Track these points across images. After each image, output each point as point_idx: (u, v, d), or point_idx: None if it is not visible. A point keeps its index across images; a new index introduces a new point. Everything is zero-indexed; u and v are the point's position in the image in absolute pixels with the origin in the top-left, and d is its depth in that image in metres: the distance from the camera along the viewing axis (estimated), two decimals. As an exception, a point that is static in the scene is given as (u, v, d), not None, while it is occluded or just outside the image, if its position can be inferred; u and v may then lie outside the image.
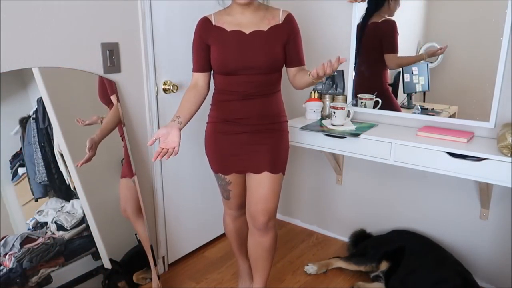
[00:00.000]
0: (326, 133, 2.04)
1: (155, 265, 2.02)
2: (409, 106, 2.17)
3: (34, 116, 1.67)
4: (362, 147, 1.97)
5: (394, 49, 2.17)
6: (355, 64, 2.26)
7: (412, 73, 2.11)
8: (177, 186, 2.26)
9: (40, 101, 1.67)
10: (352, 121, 2.15)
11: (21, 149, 1.66)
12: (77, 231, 1.79)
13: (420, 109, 2.11)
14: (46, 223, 1.72)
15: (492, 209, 2.02)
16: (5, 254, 1.60)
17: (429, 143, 1.81)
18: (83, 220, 1.80)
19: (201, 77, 1.66)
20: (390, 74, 2.21)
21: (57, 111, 1.69)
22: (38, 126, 1.68)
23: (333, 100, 2.32)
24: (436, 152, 1.77)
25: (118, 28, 1.84)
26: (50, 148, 1.71)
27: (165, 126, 1.51)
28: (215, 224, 2.49)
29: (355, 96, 2.29)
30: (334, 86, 2.36)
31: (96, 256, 1.84)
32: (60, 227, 1.74)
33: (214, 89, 1.69)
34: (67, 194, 1.77)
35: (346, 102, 2.27)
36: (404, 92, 2.17)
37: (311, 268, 2.24)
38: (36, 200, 1.71)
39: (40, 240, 1.68)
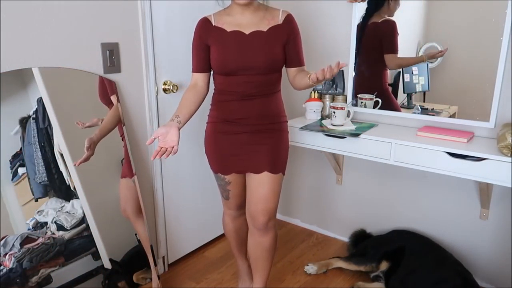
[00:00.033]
0: (326, 133, 2.04)
1: (155, 265, 2.02)
2: (409, 106, 2.17)
3: (34, 116, 1.67)
4: (362, 147, 1.97)
5: (394, 49, 2.17)
6: (355, 64, 2.26)
7: (412, 73, 2.11)
8: (177, 186, 2.26)
9: (40, 101, 1.67)
10: (352, 121, 2.15)
11: (21, 149, 1.66)
12: (77, 231, 1.79)
13: (420, 109, 2.11)
14: (46, 223, 1.72)
15: (492, 209, 2.02)
16: (5, 254, 1.60)
17: (429, 143, 1.81)
18: (83, 220, 1.80)
19: (200, 77, 1.66)
20: (390, 74, 2.21)
21: (57, 111, 1.69)
22: (38, 126, 1.68)
23: (333, 100, 2.32)
24: (436, 152, 1.77)
25: (118, 28, 1.84)
26: (50, 148, 1.71)
27: (164, 125, 1.51)
28: (215, 224, 2.49)
29: (355, 96, 2.29)
30: (334, 86, 2.36)
31: (96, 256, 1.84)
32: (60, 227, 1.74)
33: (214, 89, 1.69)
34: (67, 194, 1.77)
35: (346, 102, 2.28)
36: (404, 92, 2.17)
37: (311, 268, 2.24)
38: (36, 200, 1.71)
39: (40, 240, 1.68)
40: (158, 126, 2.06)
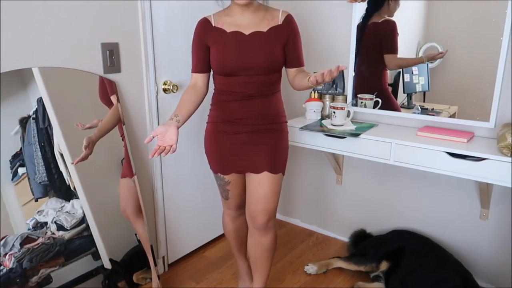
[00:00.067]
0: (326, 133, 2.04)
1: (155, 265, 2.02)
2: (409, 106, 2.17)
3: (34, 116, 1.67)
4: (362, 147, 1.97)
5: (394, 49, 2.17)
6: (355, 64, 2.26)
7: (412, 73, 2.11)
8: (177, 186, 2.26)
9: (40, 101, 1.67)
10: (352, 121, 2.15)
11: (21, 149, 1.66)
12: (77, 231, 1.79)
13: (420, 109, 2.11)
14: (46, 223, 1.72)
15: (492, 209, 2.02)
16: (5, 254, 1.60)
17: (429, 143, 1.81)
18: (83, 220, 1.80)
19: (200, 77, 1.66)
20: (390, 74, 2.21)
21: (57, 111, 1.69)
22: (38, 126, 1.68)
23: (333, 100, 2.32)
24: (436, 152, 1.77)
25: (118, 28, 1.84)
26: (50, 148, 1.71)
27: (163, 124, 1.50)
28: (215, 224, 2.49)
29: (355, 96, 2.29)
30: (334, 86, 2.36)
31: (96, 256, 1.84)
32: (60, 227, 1.74)
33: (214, 89, 1.69)
34: (67, 194, 1.77)
35: (346, 102, 2.27)
36: (404, 92, 2.17)
37: (311, 268, 2.24)
38: (36, 200, 1.71)
39: (40, 240, 1.68)
40: (158, 126, 2.06)
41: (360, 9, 2.17)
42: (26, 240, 1.65)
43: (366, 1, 2.15)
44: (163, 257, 2.25)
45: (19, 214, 1.67)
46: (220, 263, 2.37)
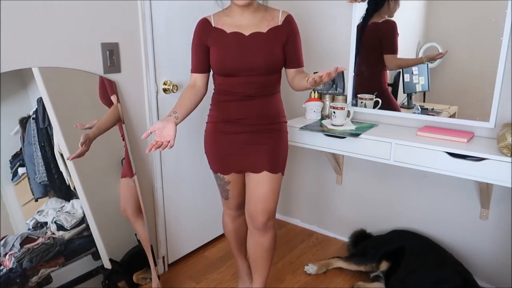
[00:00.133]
0: (326, 133, 2.04)
1: (155, 265, 2.02)
2: (409, 106, 2.17)
3: (34, 116, 1.67)
4: (362, 147, 1.97)
5: (394, 50, 2.17)
6: (355, 64, 2.26)
7: (412, 73, 2.11)
8: (177, 186, 2.26)
9: (40, 101, 1.67)
10: (352, 121, 2.15)
11: (21, 149, 1.66)
12: (77, 231, 1.79)
13: (420, 109, 2.11)
14: (46, 223, 1.72)
15: (492, 209, 2.01)
16: (5, 254, 1.60)
17: (429, 143, 1.81)
18: (83, 220, 1.80)
19: (199, 77, 1.66)
20: (390, 74, 2.21)
21: (57, 111, 1.69)
22: (38, 126, 1.68)
23: (333, 100, 2.32)
24: (436, 152, 1.77)
25: (118, 28, 1.85)
26: (50, 148, 1.71)
27: (161, 120, 1.50)
28: (215, 224, 2.49)
29: (355, 96, 2.29)
30: (334, 86, 2.36)
31: (96, 256, 1.84)
32: (60, 227, 1.75)
33: (214, 89, 1.69)
34: (67, 194, 1.77)
35: (346, 102, 2.27)
36: (404, 92, 2.17)
37: (311, 268, 2.24)
38: (36, 200, 1.71)
39: (40, 240, 1.68)
40: (158, 126, 2.06)
41: (360, 9, 2.17)
42: (26, 240, 1.65)
43: (366, 1, 2.15)
44: (163, 257, 2.25)
45: (19, 214, 1.67)
46: (220, 263, 2.37)
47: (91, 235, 1.82)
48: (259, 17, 1.59)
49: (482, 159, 1.67)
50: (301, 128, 2.11)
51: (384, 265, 2.06)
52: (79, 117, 1.77)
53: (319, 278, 2.21)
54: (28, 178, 1.68)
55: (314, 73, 1.44)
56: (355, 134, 1.98)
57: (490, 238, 2.05)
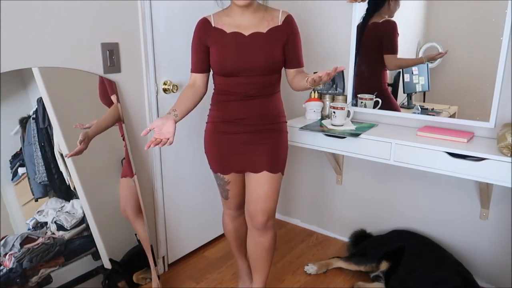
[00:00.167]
0: (326, 133, 2.04)
1: (155, 265, 2.02)
2: (409, 106, 2.17)
3: (34, 116, 1.67)
4: (362, 147, 1.97)
5: (394, 50, 2.17)
6: (355, 64, 2.26)
7: (412, 73, 2.11)
8: (177, 186, 2.26)
9: (40, 101, 1.67)
10: (352, 121, 2.15)
11: (21, 149, 1.66)
12: (77, 231, 1.79)
13: (420, 109, 2.11)
14: (46, 223, 1.72)
15: (492, 209, 2.01)
16: (5, 254, 1.60)
17: (429, 143, 1.81)
18: (83, 220, 1.80)
19: (199, 77, 1.66)
20: (390, 74, 2.22)
21: (57, 111, 1.69)
22: (38, 126, 1.68)
23: (333, 100, 2.32)
24: (436, 152, 1.77)
25: (118, 28, 1.85)
26: (50, 148, 1.71)
27: (160, 118, 1.50)
28: (215, 224, 2.49)
29: (355, 96, 2.29)
30: (334, 86, 2.36)
31: (96, 256, 1.84)
32: (60, 227, 1.75)
33: (214, 89, 1.69)
34: (67, 194, 1.77)
35: (346, 102, 2.27)
36: (404, 92, 2.17)
37: (311, 268, 2.24)
38: (36, 200, 1.71)
39: (40, 240, 1.68)
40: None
41: (360, 9, 2.17)
42: (26, 240, 1.65)
43: (366, 1, 2.15)
44: (163, 257, 2.25)
45: (19, 214, 1.67)
46: (220, 263, 2.37)
47: (91, 235, 1.82)
48: (259, 17, 1.59)
49: (482, 159, 1.67)
50: (301, 128, 2.11)
51: (384, 265, 2.06)
52: (79, 117, 1.77)
53: (319, 278, 2.21)
54: (28, 178, 1.68)
55: (314, 73, 1.44)
56: (355, 134, 1.98)
57: (490, 238, 2.05)
